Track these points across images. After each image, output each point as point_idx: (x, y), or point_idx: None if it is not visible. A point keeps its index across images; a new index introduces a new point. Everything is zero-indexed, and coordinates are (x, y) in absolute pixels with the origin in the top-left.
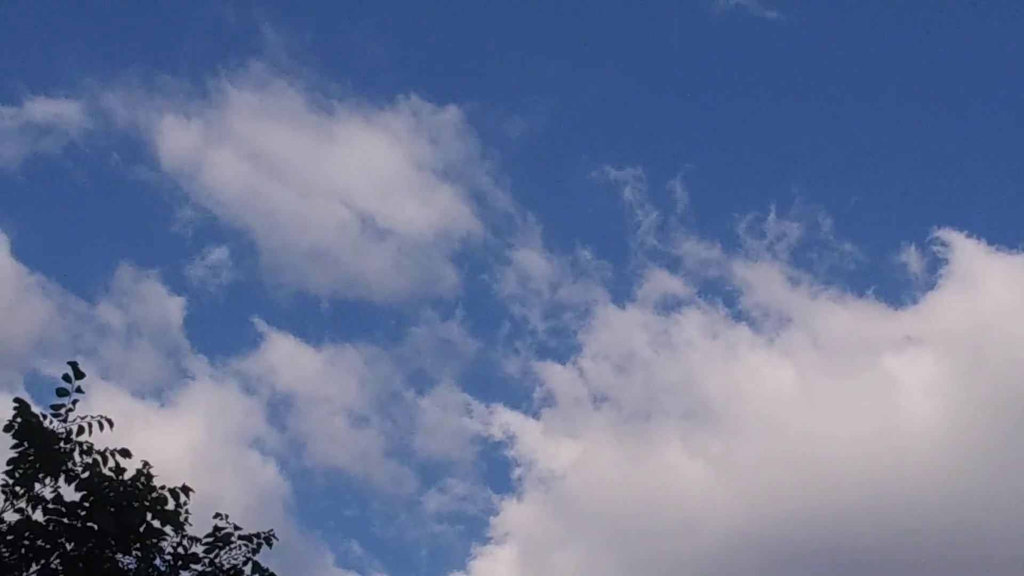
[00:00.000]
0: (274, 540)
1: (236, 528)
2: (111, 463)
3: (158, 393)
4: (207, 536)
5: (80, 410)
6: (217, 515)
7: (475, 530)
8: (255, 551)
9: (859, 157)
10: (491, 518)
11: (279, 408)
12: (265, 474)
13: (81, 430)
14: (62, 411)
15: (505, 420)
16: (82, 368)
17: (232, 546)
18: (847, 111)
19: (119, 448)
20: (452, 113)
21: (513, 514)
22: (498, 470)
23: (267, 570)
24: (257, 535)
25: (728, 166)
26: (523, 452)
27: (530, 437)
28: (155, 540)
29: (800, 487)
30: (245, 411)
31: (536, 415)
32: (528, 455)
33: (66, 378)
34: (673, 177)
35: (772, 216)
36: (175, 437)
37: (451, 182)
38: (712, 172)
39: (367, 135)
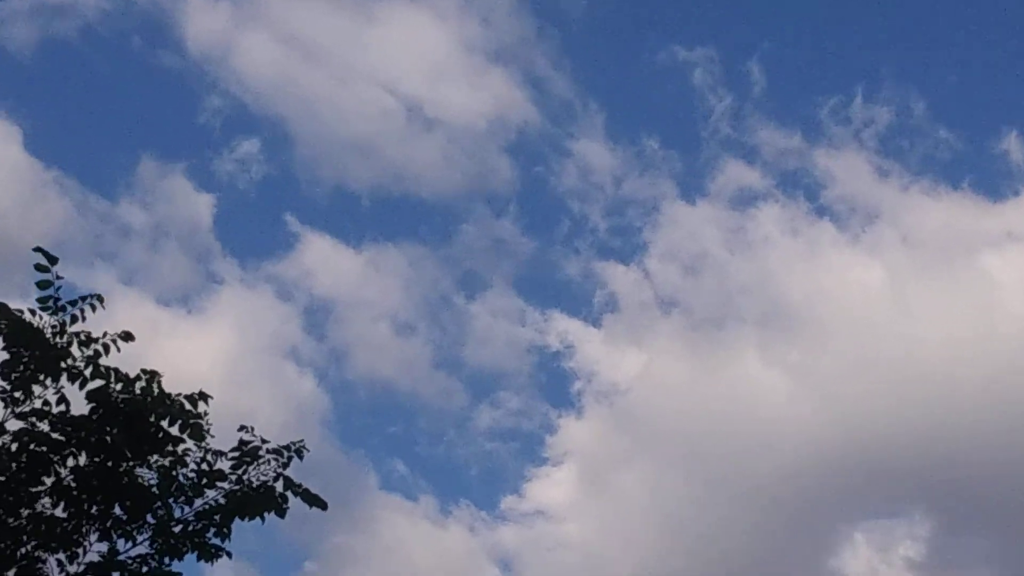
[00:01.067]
0: (305, 452)
1: (264, 441)
2: (118, 369)
3: (185, 299)
4: (232, 450)
5: (102, 322)
6: (242, 427)
7: (530, 449)
8: (285, 465)
9: (955, 34)
10: (548, 436)
11: (317, 315)
12: (302, 387)
13: (74, 319)
14: (50, 303)
15: (563, 327)
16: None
17: (261, 460)
18: None
19: (120, 332)
20: None
21: (572, 431)
22: (556, 383)
23: (299, 485)
24: (287, 447)
25: (810, 45)
26: (583, 363)
27: (591, 346)
28: (174, 450)
29: (889, 399)
30: (280, 318)
31: (597, 322)
32: (588, 366)
33: (40, 268)
34: (749, 58)
35: (858, 100)
36: (204, 347)
37: (505, 66)
38: (792, 51)
39: (412, 14)
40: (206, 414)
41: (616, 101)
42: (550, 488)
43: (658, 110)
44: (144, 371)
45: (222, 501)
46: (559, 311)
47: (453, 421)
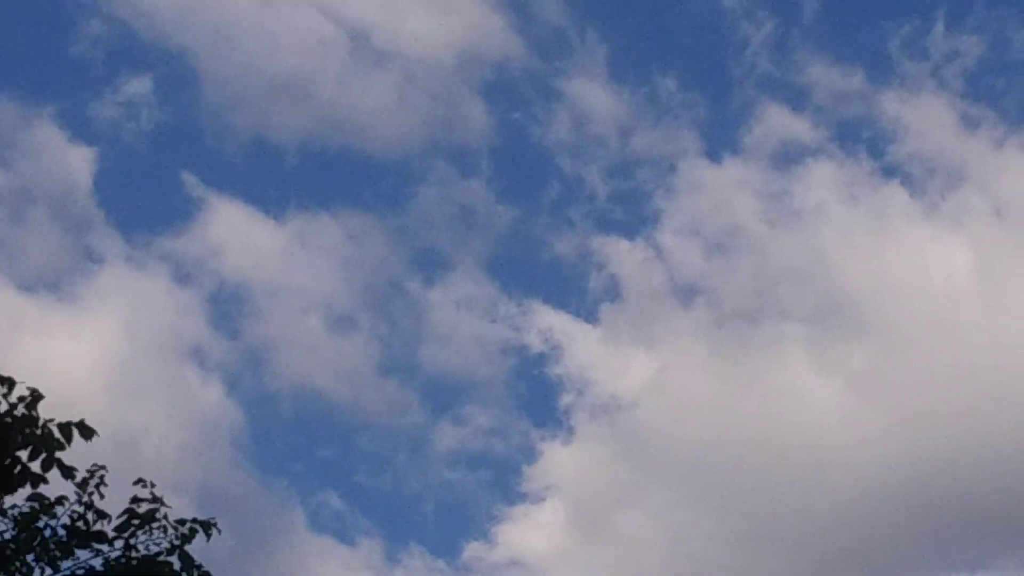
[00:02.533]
0: (216, 532)
1: (161, 504)
2: None
3: (55, 283)
4: (122, 513)
5: None
6: (140, 481)
7: (504, 481)
8: (186, 539)
9: None
10: (526, 466)
11: (226, 305)
12: (208, 398)
13: None
14: None
15: (549, 322)
16: None
17: (155, 526)
18: None
19: None
20: None
21: (559, 459)
22: (538, 395)
23: (200, 566)
24: (194, 520)
25: None
26: (574, 369)
27: (584, 347)
28: (40, 496)
29: (978, 418)
30: (178, 309)
31: (593, 315)
32: (581, 374)
33: None
34: None
35: (940, 28)
36: (80, 346)
37: None
38: None
39: None
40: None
41: (621, 28)
42: (529, 532)
43: (676, 41)
44: (1, 379)
45: (99, 567)
46: (543, 301)
47: (404, 443)
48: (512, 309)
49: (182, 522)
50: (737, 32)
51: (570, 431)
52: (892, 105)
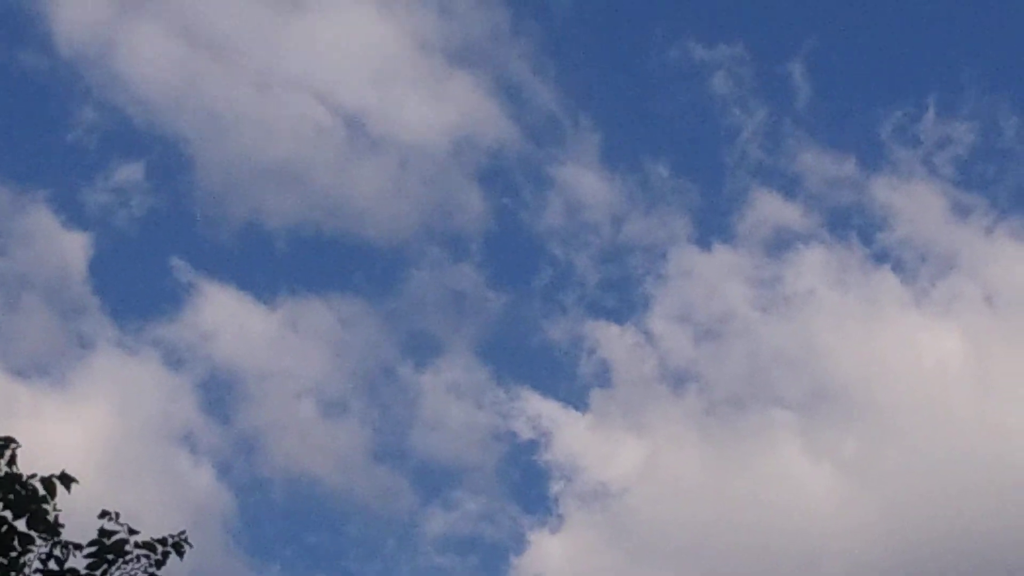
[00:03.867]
0: (187, 547)
1: (131, 532)
2: None
3: (46, 369)
4: (91, 543)
5: None
6: (104, 514)
7: (493, 567)
8: (159, 563)
9: None
10: (514, 557)
11: (218, 390)
12: (199, 482)
13: None
14: None
15: (539, 408)
16: None
17: (127, 558)
18: None
19: None
20: None
21: (547, 548)
22: (528, 482)
23: None
24: (162, 541)
25: (867, 43)
26: (564, 456)
27: (574, 434)
28: (20, 551)
29: (973, 503)
30: (170, 394)
31: (582, 401)
32: (571, 460)
33: None
34: (788, 58)
35: (930, 115)
36: (72, 431)
37: (471, 69)
38: (844, 52)
39: (351, 4)
40: (56, 509)
41: (614, 115)
42: None
43: (669, 128)
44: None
45: None
46: (532, 387)
47: (394, 528)
48: (501, 395)
49: (151, 547)
50: (729, 119)
51: (559, 518)
52: (883, 192)
